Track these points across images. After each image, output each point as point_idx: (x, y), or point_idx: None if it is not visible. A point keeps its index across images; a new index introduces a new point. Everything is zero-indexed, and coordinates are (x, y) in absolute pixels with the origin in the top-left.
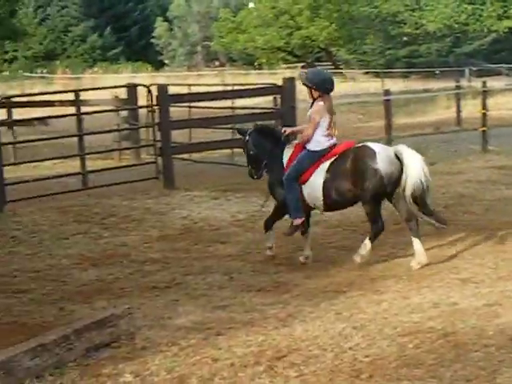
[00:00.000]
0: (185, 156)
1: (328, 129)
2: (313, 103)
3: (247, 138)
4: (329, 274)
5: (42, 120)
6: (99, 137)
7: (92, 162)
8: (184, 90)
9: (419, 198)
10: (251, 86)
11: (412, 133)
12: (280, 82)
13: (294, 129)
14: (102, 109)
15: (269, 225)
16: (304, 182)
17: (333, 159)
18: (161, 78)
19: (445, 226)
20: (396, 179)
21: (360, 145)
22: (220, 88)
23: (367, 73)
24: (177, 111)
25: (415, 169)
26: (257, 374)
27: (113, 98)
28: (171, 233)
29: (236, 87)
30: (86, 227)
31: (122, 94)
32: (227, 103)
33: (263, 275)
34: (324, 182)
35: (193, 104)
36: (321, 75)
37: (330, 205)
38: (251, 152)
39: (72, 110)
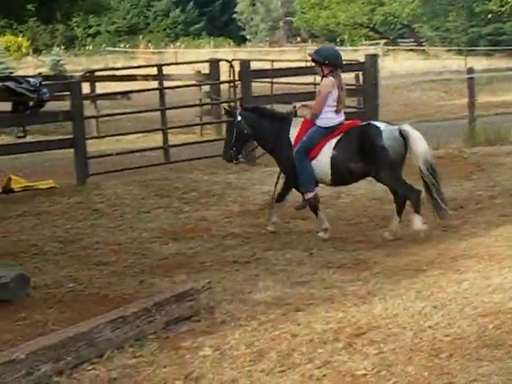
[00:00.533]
0: None
1: (336, 104)
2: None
3: (239, 118)
4: (409, 252)
5: (124, 94)
6: (181, 111)
7: (174, 137)
8: (266, 66)
9: (432, 175)
10: None
11: (495, 111)
12: (362, 59)
13: (305, 104)
14: (184, 83)
15: (315, 209)
16: (312, 159)
17: (339, 136)
18: (243, 53)
19: (446, 217)
20: (401, 155)
21: (365, 123)
22: (302, 64)
23: (450, 50)
24: (259, 86)
25: (421, 147)
26: (336, 351)
27: (195, 73)
28: (252, 208)
29: None
30: (167, 201)
31: (204, 68)
32: (309, 79)
33: (343, 252)
34: (332, 159)
35: (275, 80)
36: (333, 51)
37: (337, 180)
38: (245, 132)
39: (154, 84)
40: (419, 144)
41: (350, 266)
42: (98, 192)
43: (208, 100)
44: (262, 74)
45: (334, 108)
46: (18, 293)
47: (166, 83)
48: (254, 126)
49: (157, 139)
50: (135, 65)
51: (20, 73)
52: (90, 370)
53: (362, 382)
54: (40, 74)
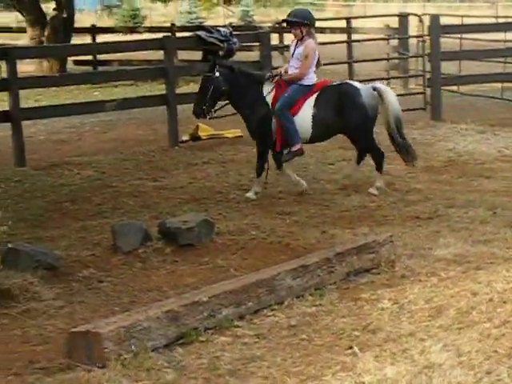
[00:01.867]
0: (453, 88)
1: (315, 65)
2: (298, 42)
3: (217, 73)
4: None
5: None
6: (368, 65)
7: None
8: (455, 21)
9: (399, 129)
10: None
11: None
12: None
13: (283, 70)
14: (372, 37)
15: (260, 171)
16: (293, 115)
17: (316, 94)
18: (431, 8)
19: (413, 163)
20: (377, 113)
21: (341, 82)
22: (492, 20)
23: None
24: (447, 42)
25: (395, 103)
26: None
27: (383, 27)
28: (436, 165)
29: (509, 20)
30: (350, 154)
31: (393, 23)
32: (499, 36)
33: None
34: (313, 116)
35: (464, 35)
36: (308, 11)
37: (316, 137)
38: (222, 88)
39: (342, 37)
40: (393, 102)
41: None
42: None
43: (395, 54)
44: (451, 29)
45: (314, 68)
46: (202, 238)
47: (354, 36)
48: (231, 84)
49: None
50: (324, 17)
51: (210, 23)
52: (269, 315)
53: None
54: (230, 24)
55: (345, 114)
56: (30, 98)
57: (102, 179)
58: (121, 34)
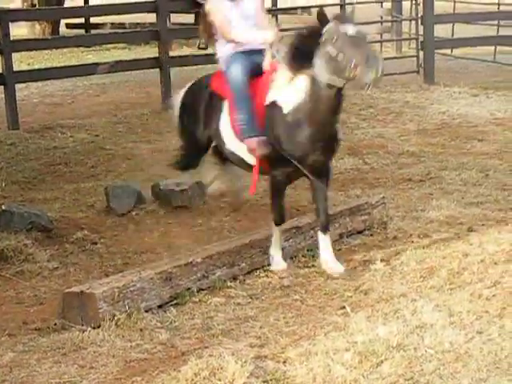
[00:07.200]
0: (446, 51)
1: None
2: None
3: None
4: None
5: (305, 9)
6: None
7: None
8: None
9: None
10: None
11: None
12: None
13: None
14: (365, 0)
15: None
16: None
17: None
18: None
19: None
20: None
21: None
22: None
23: None
24: (441, 6)
25: None
26: (507, 272)
27: None
28: (429, 127)
29: None
30: (343, 117)
31: None
32: None
33: None
34: None
35: None
36: None
37: None
38: None
39: None
40: None
41: None
42: None
43: (389, 17)
44: None
45: None
46: (195, 200)
47: None
48: None
49: None
50: None
51: None
52: (262, 276)
53: None
54: None
55: None
56: (22, 62)
57: (95, 142)
58: None
